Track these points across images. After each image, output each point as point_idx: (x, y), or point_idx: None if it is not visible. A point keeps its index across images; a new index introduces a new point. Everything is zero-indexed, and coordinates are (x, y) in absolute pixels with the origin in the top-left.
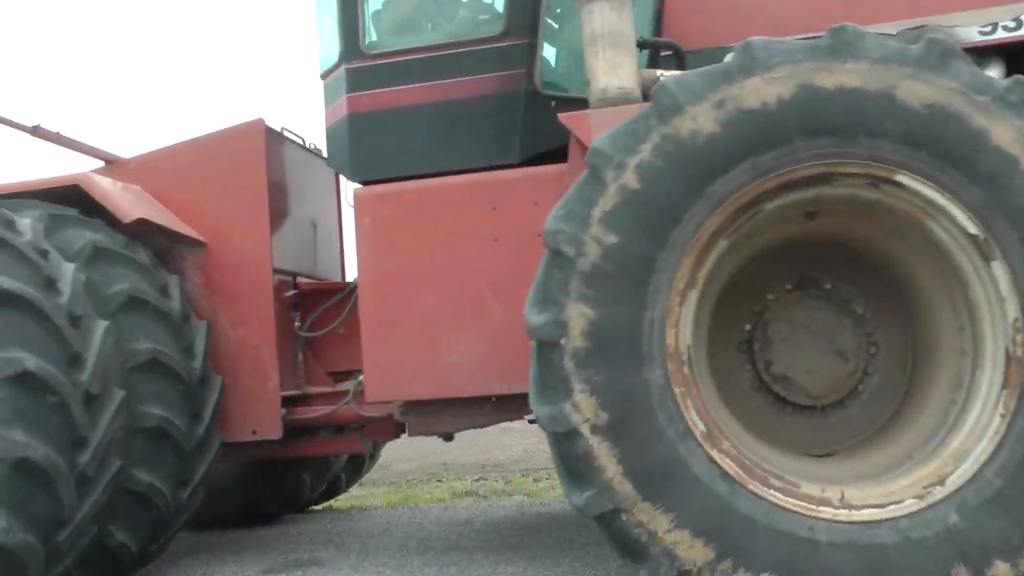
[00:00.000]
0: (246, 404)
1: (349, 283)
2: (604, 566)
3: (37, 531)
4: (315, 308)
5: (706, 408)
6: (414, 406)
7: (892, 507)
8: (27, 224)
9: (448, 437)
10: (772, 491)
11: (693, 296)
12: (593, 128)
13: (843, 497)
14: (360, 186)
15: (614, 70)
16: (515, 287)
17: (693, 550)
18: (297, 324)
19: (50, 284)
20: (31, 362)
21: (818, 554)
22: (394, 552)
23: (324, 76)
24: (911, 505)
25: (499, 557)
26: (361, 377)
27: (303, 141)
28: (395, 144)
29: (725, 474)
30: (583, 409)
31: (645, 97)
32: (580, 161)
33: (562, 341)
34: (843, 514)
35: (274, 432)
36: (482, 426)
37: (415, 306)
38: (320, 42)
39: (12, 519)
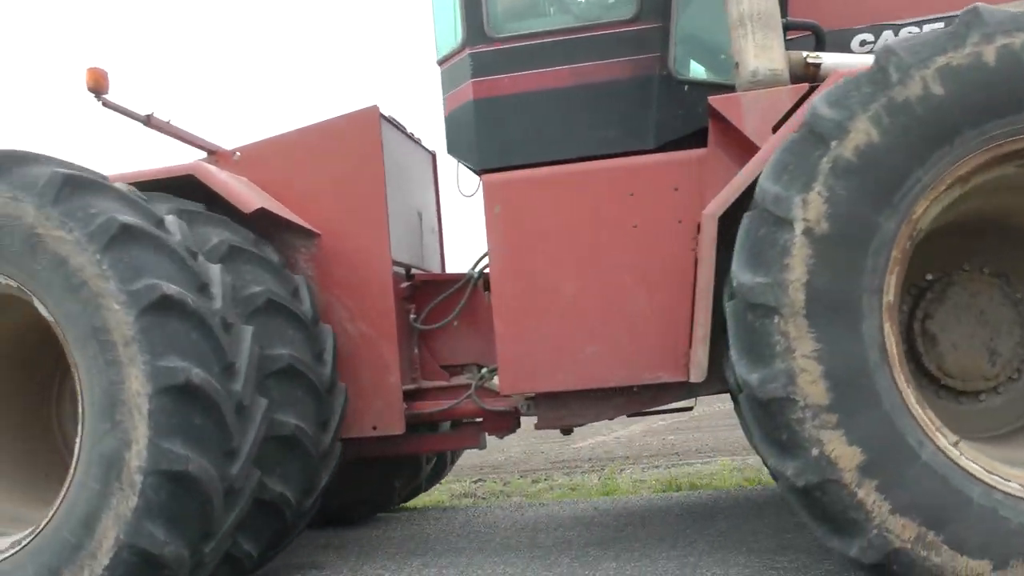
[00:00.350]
0: (366, 399)
1: (463, 274)
2: (603, 566)
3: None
4: (428, 300)
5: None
6: (545, 399)
7: (996, 478)
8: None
9: (567, 431)
10: (909, 390)
11: (934, 212)
12: (745, 111)
13: (957, 442)
14: (484, 174)
15: (764, 52)
16: (655, 274)
17: (815, 386)
18: (412, 317)
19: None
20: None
21: (913, 465)
22: (393, 555)
23: (442, 62)
24: (1014, 489)
25: (498, 558)
26: (483, 370)
27: (405, 129)
28: (524, 130)
29: (883, 347)
30: (794, 269)
31: (794, 79)
32: (721, 145)
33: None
34: (952, 452)
35: (397, 428)
36: (610, 418)
37: (551, 295)
38: (437, 26)
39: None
